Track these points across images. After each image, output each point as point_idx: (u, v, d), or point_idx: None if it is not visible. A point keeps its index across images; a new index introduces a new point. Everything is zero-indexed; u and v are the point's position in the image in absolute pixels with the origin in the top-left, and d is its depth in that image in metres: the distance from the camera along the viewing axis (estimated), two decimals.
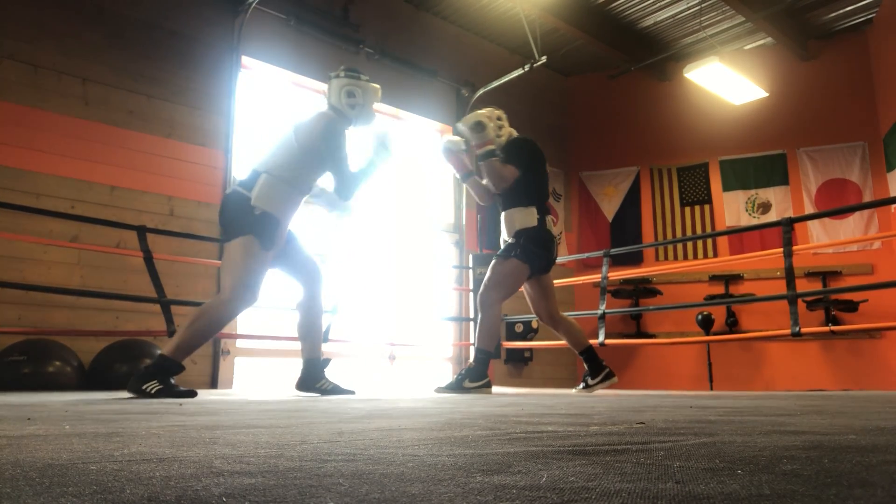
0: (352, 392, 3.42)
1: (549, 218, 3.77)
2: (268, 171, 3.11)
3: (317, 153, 3.16)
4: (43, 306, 4.43)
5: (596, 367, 3.93)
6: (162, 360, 2.93)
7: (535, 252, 3.67)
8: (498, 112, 3.91)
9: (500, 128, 3.85)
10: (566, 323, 3.95)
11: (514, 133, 3.95)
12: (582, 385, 4.02)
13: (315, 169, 3.22)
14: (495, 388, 4.37)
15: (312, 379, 3.33)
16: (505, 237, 3.82)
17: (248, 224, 3.06)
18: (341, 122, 3.28)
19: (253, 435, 1.13)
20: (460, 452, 0.88)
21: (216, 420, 1.50)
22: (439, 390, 3.71)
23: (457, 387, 3.64)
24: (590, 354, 3.95)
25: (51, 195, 4.58)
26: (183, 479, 0.65)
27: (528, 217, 3.69)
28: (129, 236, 4.54)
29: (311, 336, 3.39)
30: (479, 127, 3.66)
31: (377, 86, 3.43)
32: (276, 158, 3.15)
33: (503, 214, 3.83)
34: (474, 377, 3.65)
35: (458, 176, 3.98)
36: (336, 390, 3.34)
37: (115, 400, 2.53)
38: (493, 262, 3.80)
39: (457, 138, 3.84)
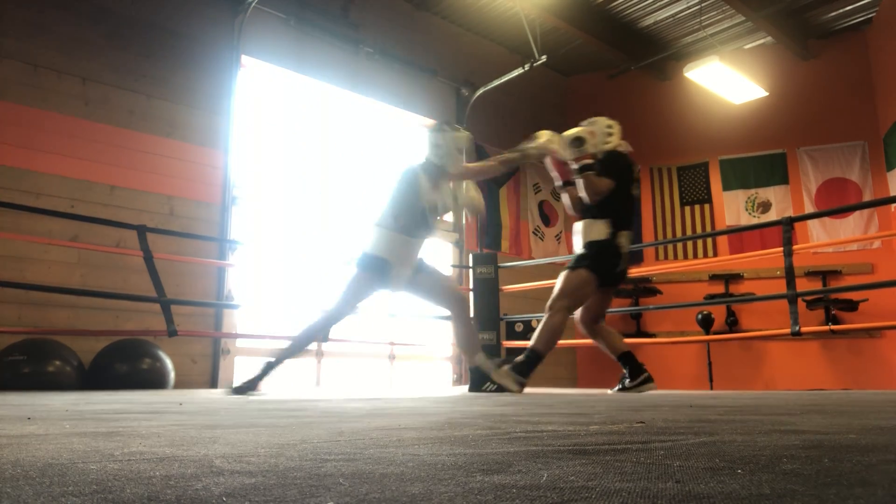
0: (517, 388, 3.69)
1: (624, 234, 3.72)
2: (377, 223, 3.58)
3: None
4: (43, 306, 4.43)
5: (635, 369, 3.84)
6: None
7: (602, 265, 3.66)
8: (610, 122, 3.93)
9: (610, 135, 3.87)
10: (603, 333, 3.90)
11: (623, 144, 3.93)
12: (618, 387, 3.94)
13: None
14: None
15: (480, 381, 3.74)
16: (577, 247, 3.80)
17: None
18: (416, 171, 3.61)
19: (253, 434, 1.13)
20: (460, 452, 0.88)
21: (216, 420, 1.50)
22: (481, 380, 3.78)
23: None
24: (627, 357, 3.87)
25: (51, 195, 4.58)
26: (183, 479, 0.65)
27: (600, 229, 3.68)
28: (128, 236, 4.54)
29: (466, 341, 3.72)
30: (578, 142, 3.71)
31: (464, 133, 3.73)
32: (381, 210, 3.62)
33: (579, 224, 3.81)
34: (520, 371, 3.63)
35: (557, 183, 3.99)
36: (500, 389, 3.64)
37: (115, 400, 2.53)
38: (564, 271, 3.79)
39: (565, 141, 3.82)
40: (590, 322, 3.90)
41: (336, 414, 1.73)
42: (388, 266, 3.52)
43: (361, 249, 3.61)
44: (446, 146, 3.68)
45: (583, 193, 3.72)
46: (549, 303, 3.75)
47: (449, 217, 7.31)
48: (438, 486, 0.62)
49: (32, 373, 3.87)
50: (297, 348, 3.57)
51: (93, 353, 4.33)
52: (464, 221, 7.28)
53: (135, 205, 4.96)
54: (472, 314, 3.86)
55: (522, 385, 3.60)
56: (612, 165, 3.75)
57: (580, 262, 3.69)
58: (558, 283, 3.77)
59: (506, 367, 3.65)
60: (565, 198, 3.97)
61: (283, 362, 3.48)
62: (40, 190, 4.56)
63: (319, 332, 3.64)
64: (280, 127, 6.11)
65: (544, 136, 3.80)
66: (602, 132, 3.86)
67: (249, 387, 3.27)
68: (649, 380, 3.87)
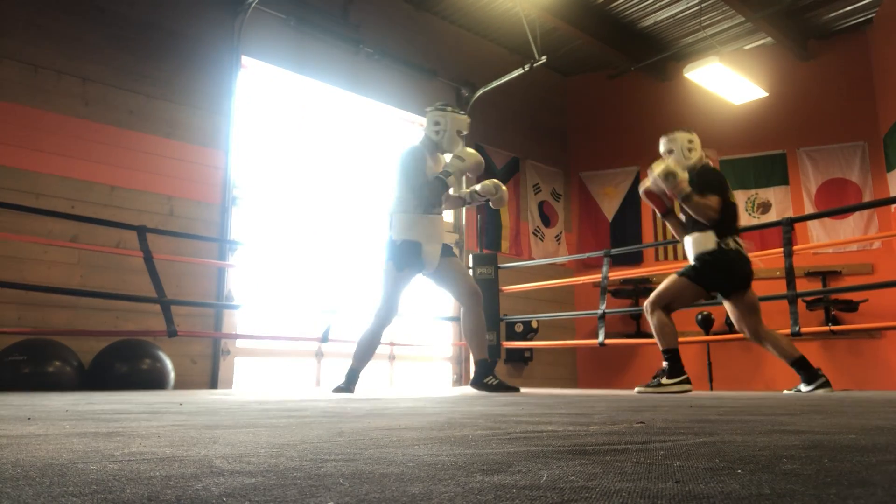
0: (516, 389, 3.92)
1: (732, 239, 3.78)
2: (393, 211, 3.75)
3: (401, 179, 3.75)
4: (43, 306, 4.43)
5: (810, 375, 3.79)
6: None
7: (711, 275, 3.75)
8: (690, 136, 4.00)
9: (691, 150, 3.95)
10: (771, 338, 3.86)
11: (705, 157, 3.99)
12: (795, 389, 3.88)
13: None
14: None
15: (483, 375, 3.81)
16: (690, 259, 3.90)
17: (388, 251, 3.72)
18: (419, 149, 3.80)
19: (253, 434, 1.13)
20: (460, 452, 0.88)
21: (216, 420, 1.50)
22: (641, 391, 3.85)
23: (655, 385, 3.81)
24: (802, 363, 3.82)
25: (51, 195, 4.58)
26: (183, 479, 0.65)
27: (706, 241, 3.76)
28: (128, 236, 4.54)
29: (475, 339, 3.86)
30: (670, 177, 3.78)
31: (464, 116, 3.93)
32: (394, 198, 3.77)
33: (688, 240, 3.90)
34: (670, 375, 3.80)
35: (659, 213, 4.09)
36: (502, 386, 3.78)
37: (115, 400, 2.53)
38: (673, 274, 3.92)
39: (657, 180, 3.87)
40: (750, 332, 3.88)
41: (336, 414, 1.73)
42: (419, 247, 3.62)
43: (386, 240, 3.73)
44: (445, 125, 3.85)
45: (700, 218, 3.79)
46: (646, 304, 3.89)
47: (449, 216, 7.31)
48: (438, 486, 0.62)
49: (32, 373, 3.87)
50: (362, 357, 3.71)
51: (93, 354, 4.34)
52: (463, 221, 7.28)
53: (135, 205, 4.96)
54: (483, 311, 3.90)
55: (686, 380, 3.80)
56: (709, 181, 3.83)
57: (686, 271, 3.84)
58: (662, 283, 3.91)
59: (663, 380, 3.79)
60: (671, 226, 4.11)
61: (361, 369, 3.70)
62: (40, 190, 4.56)
63: (376, 336, 3.74)
64: (280, 127, 6.12)
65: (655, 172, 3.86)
66: (683, 149, 3.95)
67: (347, 389, 3.61)
68: (822, 378, 3.77)
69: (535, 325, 7.06)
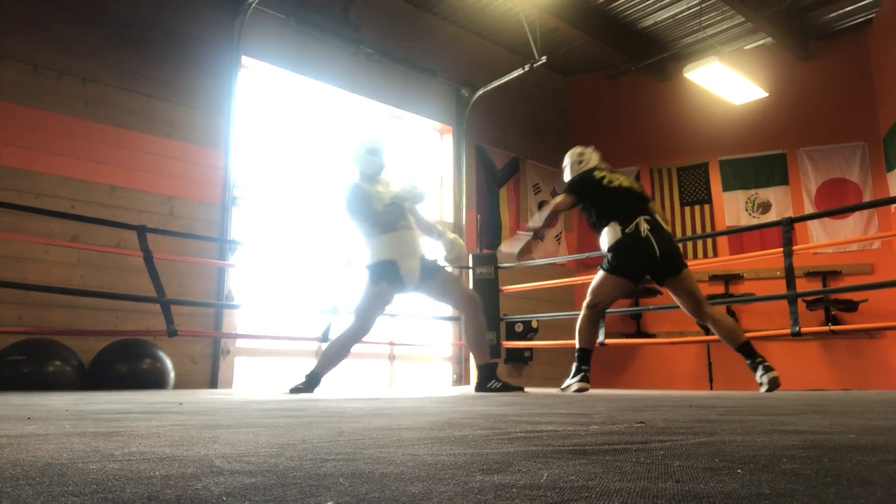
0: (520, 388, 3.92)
1: (644, 219, 3.74)
2: (359, 243, 3.81)
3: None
4: (43, 306, 4.43)
5: (755, 364, 3.79)
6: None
7: (619, 264, 3.77)
8: (580, 149, 4.25)
9: (581, 163, 4.24)
10: (713, 319, 3.85)
11: (603, 168, 4.16)
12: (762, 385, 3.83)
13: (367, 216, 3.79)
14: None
15: (486, 380, 3.80)
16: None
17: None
18: (358, 184, 3.81)
19: (253, 434, 1.13)
20: (460, 452, 0.88)
21: (216, 419, 1.50)
22: (564, 390, 3.92)
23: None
24: (747, 350, 3.82)
25: (51, 195, 4.58)
26: (183, 479, 0.65)
27: (611, 234, 3.82)
28: (129, 236, 4.54)
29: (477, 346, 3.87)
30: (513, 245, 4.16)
31: (372, 136, 4.05)
32: (354, 231, 3.84)
33: (600, 238, 3.97)
34: (574, 374, 3.88)
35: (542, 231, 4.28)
36: (506, 387, 3.78)
37: (115, 399, 2.53)
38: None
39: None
40: (694, 312, 3.88)
41: (336, 414, 1.73)
42: (395, 265, 3.62)
43: (364, 265, 3.76)
44: (355, 152, 3.95)
45: (553, 215, 4.15)
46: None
47: (449, 216, 7.31)
48: (438, 485, 0.62)
49: (32, 373, 3.87)
50: (329, 363, 3.68)
51: (93, 353, 4.33)
52: (463, 221, 7.28)
53: (135, 205, 4.96)
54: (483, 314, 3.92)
55: (586, 378, 3.85)
56: (569, 185, 4.16)
57: (602, 265, 3.90)
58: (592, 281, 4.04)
59: (575, 377, 3.88)
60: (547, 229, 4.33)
61: (324, 374, 3.65)
62: (41, 190, 4.56)
63: (347, 347, 3.71)
64: (280, 127, 6.12)
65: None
66: (573, 164, 4.23)
67: (306, 391, 3.54)
68: (770, 369, 3.78)
69: (535, 324, 7.06)
